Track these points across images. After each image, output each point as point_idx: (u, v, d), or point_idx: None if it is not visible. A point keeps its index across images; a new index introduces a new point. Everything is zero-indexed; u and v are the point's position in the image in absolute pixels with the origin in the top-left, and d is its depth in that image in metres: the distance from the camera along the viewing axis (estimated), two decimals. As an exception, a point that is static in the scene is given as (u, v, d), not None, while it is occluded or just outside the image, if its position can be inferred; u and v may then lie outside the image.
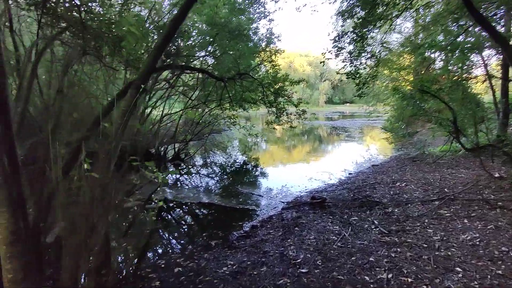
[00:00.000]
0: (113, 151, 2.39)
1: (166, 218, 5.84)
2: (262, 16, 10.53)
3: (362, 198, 5.91)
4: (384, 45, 18.97)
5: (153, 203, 5.41)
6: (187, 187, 8.06)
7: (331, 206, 5.59)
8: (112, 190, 2.22)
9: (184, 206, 6.32)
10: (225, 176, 9.41)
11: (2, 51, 1.86)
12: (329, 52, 6.72)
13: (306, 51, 76.82)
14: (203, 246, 4.47)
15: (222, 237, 4.74)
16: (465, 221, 4.47)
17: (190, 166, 10.75)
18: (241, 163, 11.81)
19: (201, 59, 10.87)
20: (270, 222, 5.16)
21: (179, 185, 8.13)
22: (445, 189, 6.07)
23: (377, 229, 4.36)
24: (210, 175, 9.65)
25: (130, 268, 3.72)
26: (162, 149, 11.06)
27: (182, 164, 10.78)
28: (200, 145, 14.78)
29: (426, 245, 3.75)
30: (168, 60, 8.03)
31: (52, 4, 3.58)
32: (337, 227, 4.58)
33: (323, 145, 16.63)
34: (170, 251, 4.51)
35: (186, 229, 5.46)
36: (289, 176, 8.97)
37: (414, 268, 3.24)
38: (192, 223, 5.72)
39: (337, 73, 9.01)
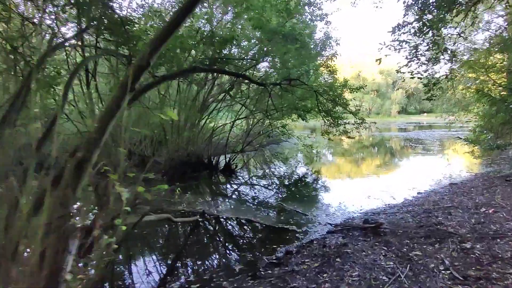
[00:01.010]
0: (87, 159, 2.01)
1: (195, 233, 5.45)
2: (318, 19, 9.85)
3: (431, 225, 4.70)
4: (467, 43, 16.44)
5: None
6: (229, 200, 7.66)
7: (388, 234, 4.54)
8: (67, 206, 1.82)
9: (219, 221, 5.88)
10: (275, 190, 8.78)
11: None
12: (386, 47, 5.62)
13: (376, 59, 71.93)
14: (226, 270, 3.91)
15: (249, 262, 4.12)
16: None
17: (240, 178, 10.41)
18: (297, 176, 11.04)
19: (257, 66, 10.63)
20: (308, 248, 4.36)
21: (220, 198, 7.78)
22: (555, 221, 4.50)
23: (448, 271, 3.25)
24: (258, 188, 9.14)
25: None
26: (214, 159, 10.96)
27: (233, 175, 10.50)
28: (253, 156, 14.50)
29: (523, 306, 2.59)
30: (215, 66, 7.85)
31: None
32: (391, 262, 3.58)
33: (391, 159, 14.80)
34: (186, 273, 4.05)
35: (213, 248, 4.97)
36: (346, 192, 7.96)
37: None
38: (222, 241, 5.21)
39: (411, 76, 7.59)
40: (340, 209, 6.26)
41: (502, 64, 10.71)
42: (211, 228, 5.70)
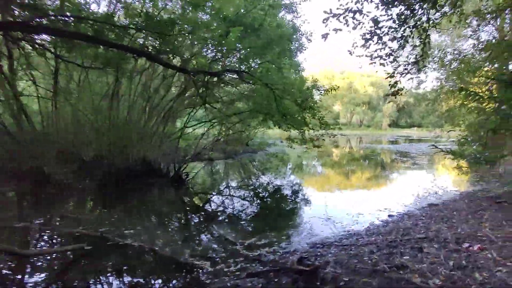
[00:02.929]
0: None
1: (76, 267, 3.93)
2: (286, 10, 8.59)
3: (391, 269, 3.30)
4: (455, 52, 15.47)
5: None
6: (148, 219, 6.09)
7: (327, 282, 3.12)
8: None
9: (116, 248, 4.37)
10: (221, 207, 7.31)
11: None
12: (334, 16, 4.16)
13: (369, 71, 71.91)
14: None
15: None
16: None
17: (192, 190, 8.94)
18: (255, 189, 9.59)
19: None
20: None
21: (136, 215, 6.25)
22: None
23: None
24: (201, 202, 7.70)
25: None
26: (167, 167, 9.45)
27: (183, 186, 9.01)
28: (216, 165, 13.11)
29: None
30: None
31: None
32: None
33: (371, 173, 13.43)
34: None
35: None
36: (303, 213, 6.59)
37: None
38: (110, 276, 3.71)
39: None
40: (281, 237, 4.82)
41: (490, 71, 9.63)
42: (98, 258, 4.18)
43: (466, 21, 15.39)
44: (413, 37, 4.30)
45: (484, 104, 5.64)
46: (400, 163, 16.35)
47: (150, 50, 6.37)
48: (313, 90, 8.83)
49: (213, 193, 8.80)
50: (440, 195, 7.92)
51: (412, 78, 4.38)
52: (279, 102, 7.15)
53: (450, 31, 17.42)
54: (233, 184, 10.07)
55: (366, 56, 4.14)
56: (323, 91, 8.57)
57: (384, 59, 4.19)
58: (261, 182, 10.43)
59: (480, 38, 15.04)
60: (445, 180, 10.77)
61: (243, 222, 5.93)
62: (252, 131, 19.37)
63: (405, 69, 4.42)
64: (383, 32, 3.96)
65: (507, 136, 5.54)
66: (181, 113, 12.25)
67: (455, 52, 15.58)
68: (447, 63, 15.84)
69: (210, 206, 7.44)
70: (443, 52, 15.86)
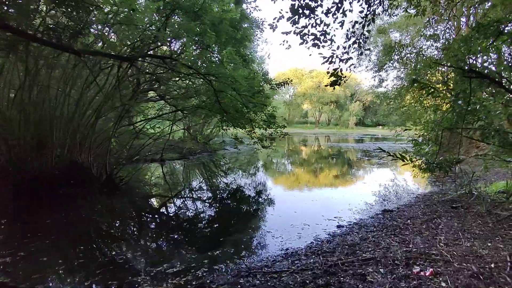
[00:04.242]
0: None
1: None
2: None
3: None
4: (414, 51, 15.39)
5: None
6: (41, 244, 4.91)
7: None
8: None
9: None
10: (135, 223, 6.27)
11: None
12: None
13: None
14: None
15: None
16: None
17: (126, 197, 7.78)
18: (193, 197, 8.62)
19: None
20: None
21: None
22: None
23: None
24: (130, 213, 6.61)
25: None
26: (101, 170, 8.18)
27: (117, 192, 7.82)
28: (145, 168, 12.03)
29: None
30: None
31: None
32: None
33: (331, 174, 12.90)
34: None
35: None
36: (241, 228, 5.61)
37: None
38: None
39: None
40: (201, 263, 3.88)
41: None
42: None
43: (425, 18, 15.36)
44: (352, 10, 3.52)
45: (440, 100, 5.10)
46: (362, 162, 16.07)
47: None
48: (265, 85, 7.98)
49: (145, 203, 7.70)
50: (396, 199, 7.41)
51: (353, 65, 3.62)
52: (220, 96, 6.22)
53: (409, 30, 17.47)
54: (173, 191, 8.95)
55: (294, 33, 3.30)
56: (274, 86, 7.74)
57: (318, 39, 3.37)
58: (203, 187, 9.37)
59: (439, 37, 15.11)
60: (403, 180, 10.42)
61: (160, 242, 4.91)
62: (213, 130, 18.37)
63: (345, 52, 3.62)
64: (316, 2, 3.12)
65: (462, 135, 5.01)
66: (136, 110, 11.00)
67: (415, 50, 15.53)
68: (406, 61, 15.78)
69: (132, 221, 6.37)
70: (403, 50, 15.75)
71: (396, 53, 15.49)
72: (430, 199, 6.92)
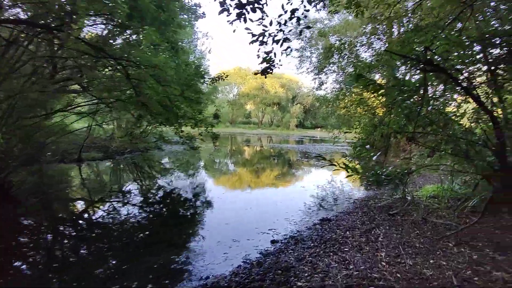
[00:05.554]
0: None
1: None
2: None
3: None
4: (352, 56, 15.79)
5: None
6: None
7: None
8: None
9: None
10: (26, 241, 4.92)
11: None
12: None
13: (279, 73, 74.12)
14: None
15: None
16: None
17: (20, 208, 6.17)
18: (103, 208, 7.34)
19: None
20: None
21: None
22: None
23: None
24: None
25: None
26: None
27: (7, 200, 6.16)
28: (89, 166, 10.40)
29: None
30: None
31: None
32: None
33: (269, 177, 12.38)
34: None
35: None
36: (160, 254, 4.60)
37: None
38: None
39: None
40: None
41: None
42: None
43: (362, 25, 15.80)
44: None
45: (377, 102, 4.78)
46: (301, 164, 15.96)
47: None
48: (200, 79, 7.03)
49: (41, 215, 6.23)
50: (333, 204, 7.07)
51: (290, 48, 2.98)
52: (139, 87, 5.11)
53: (348, 36, 17.95)
54: (80, 201, 7.50)
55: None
56: (209, 80, 6.85)
57: (243, 5, 2.60)
58: (117, 195, 8.00)
59: (373, 45, 15.73)
60: (340, 182, 10.32)
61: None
62: (146, 127, 16.69)
63: (280, 29, 2.91)
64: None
65: (402, 140, 4.77)
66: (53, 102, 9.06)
67: (352, 56, 15.91)
68: (344, 66, 16.12)
69: (27, 233, 4.97)
70: (341, 55, 16.02)
71: (335, 56, 15.70)
72: (367, 205, 6.69)
